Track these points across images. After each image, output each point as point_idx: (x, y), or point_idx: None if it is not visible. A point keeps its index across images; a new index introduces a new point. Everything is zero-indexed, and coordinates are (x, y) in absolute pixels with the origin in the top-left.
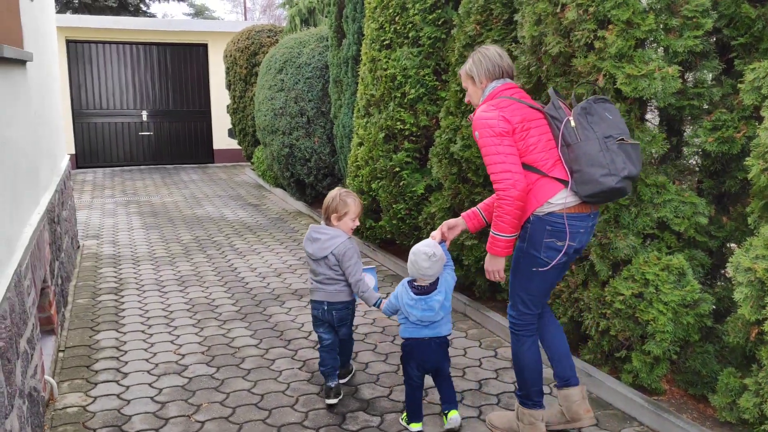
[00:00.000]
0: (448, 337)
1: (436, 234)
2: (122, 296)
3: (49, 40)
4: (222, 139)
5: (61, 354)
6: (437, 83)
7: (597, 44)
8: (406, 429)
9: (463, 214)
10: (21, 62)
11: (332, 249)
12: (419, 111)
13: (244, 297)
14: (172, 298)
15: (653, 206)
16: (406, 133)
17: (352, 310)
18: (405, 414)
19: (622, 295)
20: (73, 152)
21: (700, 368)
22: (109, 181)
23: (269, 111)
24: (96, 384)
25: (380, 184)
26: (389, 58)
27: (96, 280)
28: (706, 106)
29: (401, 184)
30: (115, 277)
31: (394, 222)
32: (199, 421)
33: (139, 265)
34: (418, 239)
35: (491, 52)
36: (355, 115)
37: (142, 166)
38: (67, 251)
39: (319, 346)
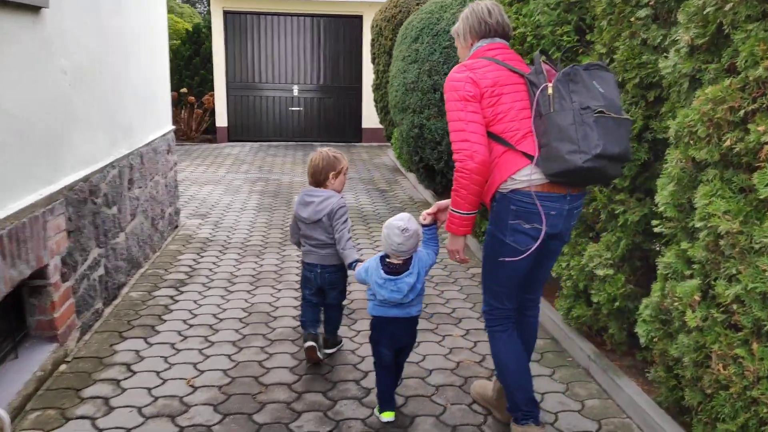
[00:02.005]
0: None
1: (425, 215)
2: (181, 292)
3: None
4: (371, 117)
5: (63, 366)
6: (578, 45)
7: None
8: (378, 419)
9: None
10: (19, 6)
11: (326, 210)
12: None
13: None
14: (233, 301)
15: None
16: None
17: (344, 275)
18: (377, 406)
19: None
20: (226, 125)
21: None
22: (251, 157)
23: (401, 86)
24: (68, 420)
25: None
26: (519, 14)
27: (168, 269)
28: None
29: None
30: (190, 267)
31: None
32: None
33: (224, 254)
34: None
35: (479, 8)
36: None
37: (289, 143)
38: (139, 234)
39: (301, 298)
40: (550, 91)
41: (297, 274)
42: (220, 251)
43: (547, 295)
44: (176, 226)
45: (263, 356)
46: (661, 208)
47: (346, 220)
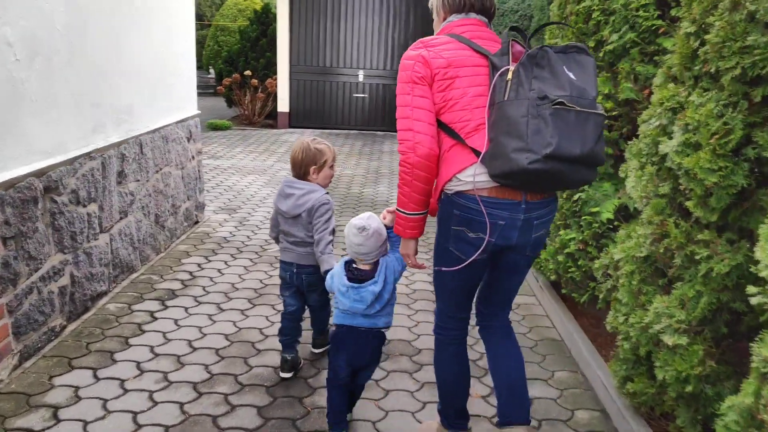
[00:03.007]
0: (385, 331)
1: (386, 213)
2: (165, 307)
3: None
4: None
5: None
6: (660, 23)
7: None
8: None
9: None
10: None
11: (307, 205)
12: (622, 73)
13: (309, 344)
14: (219, 324)
15: None
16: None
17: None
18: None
19: None
20: (287, 110)
21: None
22: None
23: None
24: None
25: None
26: None
27: (164, 276)
28: None
29: (576, 198)
30: (190, 274)
31: (559, 258)
32: None
33: (234, 259)
34: (594, 296)
35: None
36: None
37: (352, 131)
38: (134, 235)
39: (282, 311)
40: (509, 75)
41: None
42: (231, 255)
43: (602, 346)
44: (196, 222)
45: (223, 409)
46: (764, 273)
47: (328, 219)
